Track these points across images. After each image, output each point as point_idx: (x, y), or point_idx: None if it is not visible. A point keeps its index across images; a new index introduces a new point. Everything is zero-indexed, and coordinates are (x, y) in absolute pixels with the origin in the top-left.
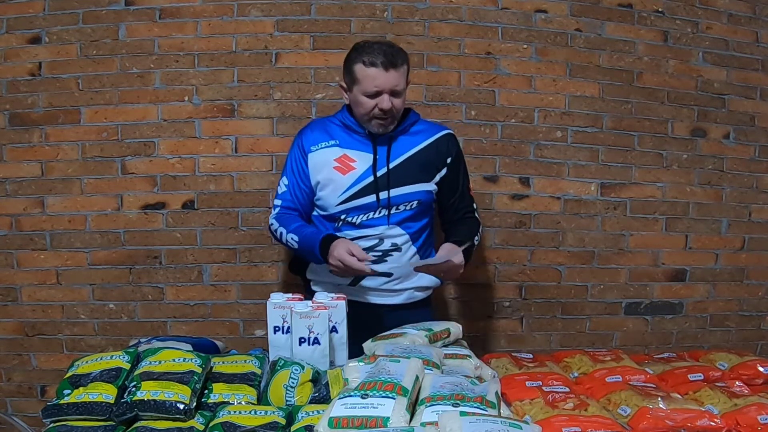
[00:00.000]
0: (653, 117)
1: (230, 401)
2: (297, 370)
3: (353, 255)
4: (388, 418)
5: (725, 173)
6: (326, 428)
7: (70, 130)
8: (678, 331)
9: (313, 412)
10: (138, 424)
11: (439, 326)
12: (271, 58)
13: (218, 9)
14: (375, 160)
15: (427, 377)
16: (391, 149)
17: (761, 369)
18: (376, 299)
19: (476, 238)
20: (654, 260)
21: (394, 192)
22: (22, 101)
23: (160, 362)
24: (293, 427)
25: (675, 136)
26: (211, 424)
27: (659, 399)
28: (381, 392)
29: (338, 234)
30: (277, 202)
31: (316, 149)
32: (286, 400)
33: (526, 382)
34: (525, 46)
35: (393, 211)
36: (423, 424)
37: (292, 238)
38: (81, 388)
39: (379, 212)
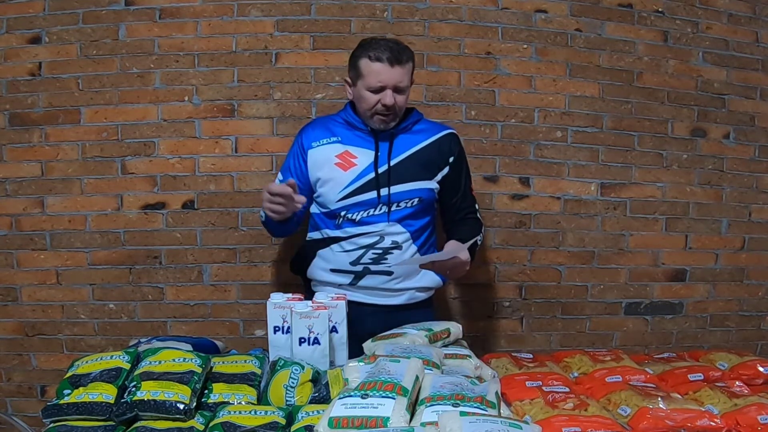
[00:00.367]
0: (653, 117)
1: (230, 401)
2: (297, 370)
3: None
4: (388, 418)
5: (725, 173)
6: (326, 428)
7: (70, 130)
8: (678, 331)
9: (313, 412)
10: (138, 424)
11: (439, 326)
12: (271, 58)
13: (218, 9)
14: (377, 156)
15: (427, 377)
16: (392, 146)
17: (761, 369)
18: (377, 300)
19: (479, 238)
20: (654, 260)
21: (395, 189)
22: (22, 101)
23: (160, 362)
24: (293, 427)
25: (675, 136)
26: (211, 424)
27: (659, 399)
28: (381, 392)
29: (339, 230)
30: None
31: (317, 145)
32: (286, 400)
33: (526, 382)
34: (525, 46)
35: (393, 208)
36: (423, 424)
37: (262, 212)
38: (81, 388)
39: (380, 209)
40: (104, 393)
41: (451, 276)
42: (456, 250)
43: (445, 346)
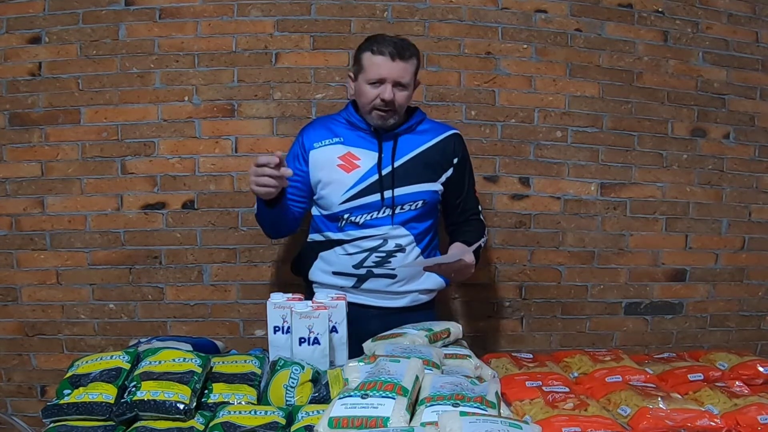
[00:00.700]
0: (653, 117)
1: (230, 401)
2: (297, 370)
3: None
4: (388, 418)
5: (725, 173)
6: (326, 428)
7: (70, 130)
8: (678, 331)
9: (313, 412)
10: (138, 424)
11: (439, 326)
12: (271, 58)
13: (218, 9)
14: (380, 158)
15: (427, 377)
16: (396, 147)
17: (761, 369)
18: (380, 302)
19: (483, 240)
20: (654, 260)
21: (399, 191)
22: (22, 101)
23: (160, 362)
24: (293, 427)
25: (675, 136)
26: (211, 424)
27: (659, 399)
28: (381, 392)
29: (341, 233)
30: None
31: (319, 146)
32: (286, 400)
33: (526, 382)
34: (525, 46)
35: (397, 210)
36: (423, 424)
37: (255, 205)
38: (81, 388)
39: (383, 212)
40: (104, 393)
41: (456, 278)
42: (461, 252)
43: (445, 346)
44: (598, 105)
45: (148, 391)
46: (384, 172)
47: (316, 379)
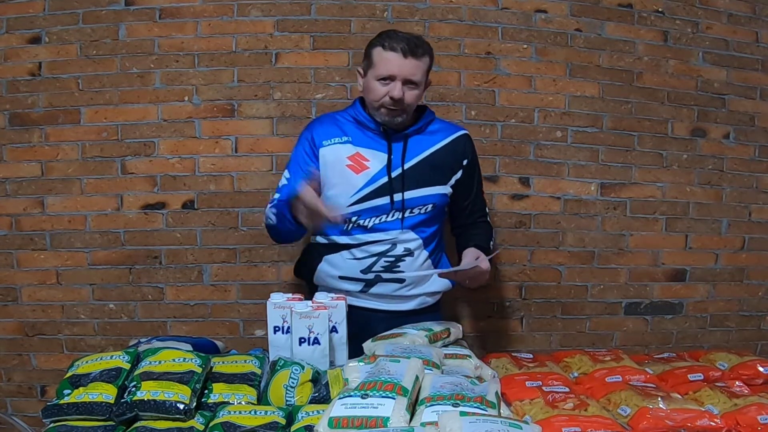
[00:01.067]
0: (653, 117)
1: (230, 401)
2: (297, 370)
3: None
4: (388, 418)
5: (725, 173)
6: (326, 428)
7: (70, 130)
8: (678, 331)
9: (313, 412)
10: (138, 424)
11: (439, 326)
12: (271, 58)
13: (218, 9)
14: (390, 159)
15: (427, 377)
16: (406, 149)
17: (761, 369)
18: (387, 306)
19: (492, 243)
20: (654, 260)
21: (409, 194)
22: (22, 101)
23: (160, 362)
24: (293, 427)
25: (675, 136)
26: (211, 424)
27: (659, 399)
28: (381, 392)
29: (347, 237)
30: (276, 195)
31: (328, 144)
32: (286, 400)
33: (526, 382)
34: (525, 46)
35: (407, 214)
36: (423, 424)
37: (271, 211)
38: (81, 388)
39: (392, 215)
40: (104, 393)
41: (471, 285)
42: (477, 259)
43: (445, 346)
44: (598, 105)
45: (148, 391)
46: (394, 174)
47: (316, 379)
